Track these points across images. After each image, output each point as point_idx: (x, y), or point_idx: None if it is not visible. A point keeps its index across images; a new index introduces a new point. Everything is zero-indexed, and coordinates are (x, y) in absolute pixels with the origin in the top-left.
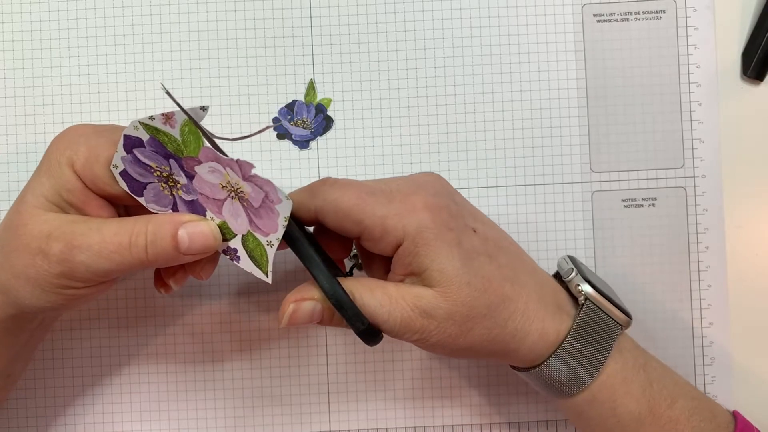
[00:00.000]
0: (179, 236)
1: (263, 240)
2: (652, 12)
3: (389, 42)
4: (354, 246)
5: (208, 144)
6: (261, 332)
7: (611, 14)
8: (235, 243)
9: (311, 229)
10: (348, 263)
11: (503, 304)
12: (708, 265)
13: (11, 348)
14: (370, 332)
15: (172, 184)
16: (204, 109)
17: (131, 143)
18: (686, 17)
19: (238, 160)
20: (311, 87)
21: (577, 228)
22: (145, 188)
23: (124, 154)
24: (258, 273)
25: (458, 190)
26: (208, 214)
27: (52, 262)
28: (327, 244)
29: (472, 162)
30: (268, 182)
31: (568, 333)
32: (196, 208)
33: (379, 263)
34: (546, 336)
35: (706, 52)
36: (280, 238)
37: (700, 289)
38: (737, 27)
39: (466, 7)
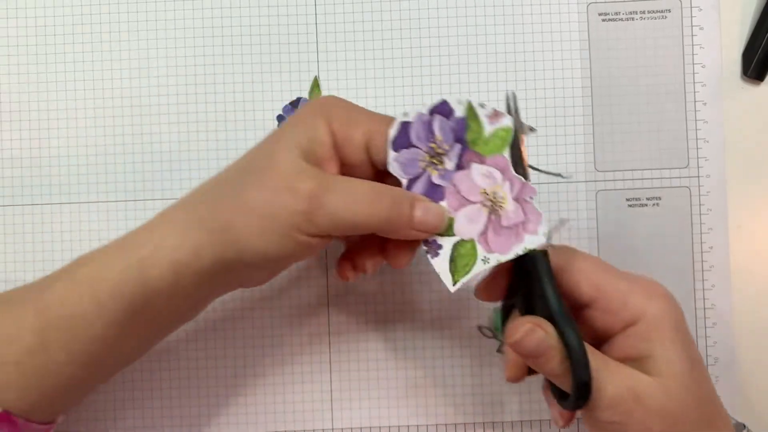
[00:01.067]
0: (416, 208)
1: (481, 253)
2: (657, 11)
3: (394, 39)
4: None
5: (507, 156)
6: (264, 330)
7: (616, 13)
8: (444, 240)
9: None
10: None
11: (707, 424)
12: (712, 264)
13: (172, 316)
14: (588, 389)
15: (436, 162)
16: (532, 130)
17: (441, 110)
18: (691, 17)
19: (525, 183)
20: (315, 84)
21: (582, 227)
22: (405, 148)
23: (425, 113)
24: (446, 276)
25: None
26: (443, 203)
27: (300, 198)
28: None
29: None
30: (538, 214)
31: None
32: (433, 192)
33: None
34: None
35: (711, 52)
36: (502, 261)
37: (703, 289)
38: (739, 27)
39: (471, 5)
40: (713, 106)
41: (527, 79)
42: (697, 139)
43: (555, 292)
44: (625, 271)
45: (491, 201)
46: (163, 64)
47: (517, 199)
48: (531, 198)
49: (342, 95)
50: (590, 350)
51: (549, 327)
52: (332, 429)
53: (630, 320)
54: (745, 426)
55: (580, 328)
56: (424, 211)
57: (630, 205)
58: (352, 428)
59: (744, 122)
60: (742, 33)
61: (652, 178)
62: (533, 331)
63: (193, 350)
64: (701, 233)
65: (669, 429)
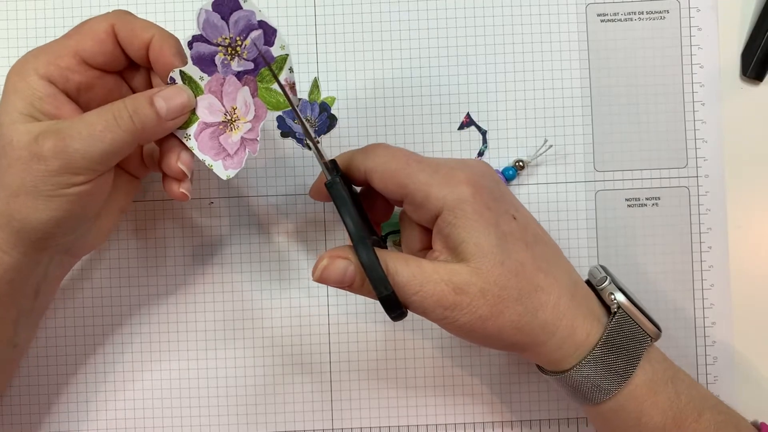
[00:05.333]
0: (156, 102)
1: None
2: (655, 12)
3: (393, 41)
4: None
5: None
6: (264, 330)
7: (615, 14)
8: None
9: (358, 190)
10: (385, 228)
11: (535, 293)
12: (711, 264)
13: (14, 306)
14: (392, 301)
15: (231, 54)
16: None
17: (229, 5)
18: (690, 17)
19: (256, 140)
20: (315, 85)
21: (581, 227)
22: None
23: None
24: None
25: None
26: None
27: (49, 159)
28: (371, 206)
29: None
30: (239, 163)
31: (599, 340)
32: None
33: (418, 237)
34: (575, 336)
35: (710, 53)
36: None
37: (702, 289)
38: (737, 27)
39: (470, 6)
40: (712, 106)
41: (526, 79)
42: (695, 139)
43: (351, 214)
44: (433, 160)
45: (230, 120)
46: None
47: (244, 138)
48: (248, 150)
49: (341, 96)
50: (404, 258)
51: (350, 254)
52: (332, 429)
53: (436, 211)
54: None
55: (408, 230)
56: (165, 99)
57: (629, 205)
58: (352, 428)
59: (743, 122)
60: (741, 33)
61: (651, 178)
62: (330, 264)
63: (193, 350)
64: (700, 233)
65: (495, 305)
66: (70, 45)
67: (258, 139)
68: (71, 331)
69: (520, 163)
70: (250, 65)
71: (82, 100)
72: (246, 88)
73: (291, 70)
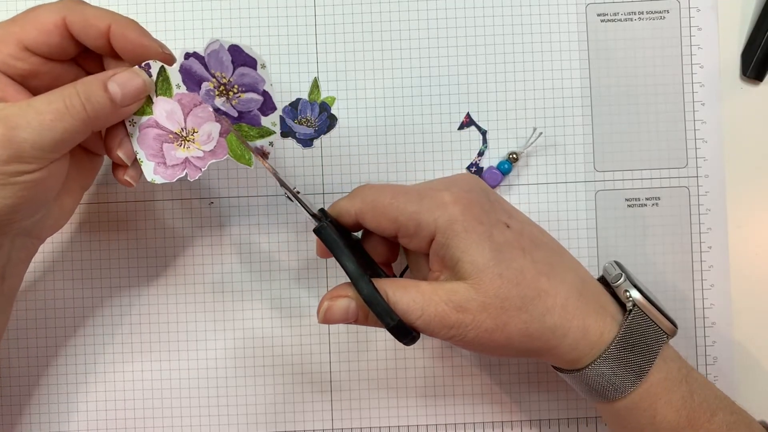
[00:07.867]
0: (110, 87)
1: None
2: (655, 12)
3: (393, 41)
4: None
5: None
6: (264, 330)
7: (615, 14)
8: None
9: (359, 234)
10: (397, 267)
11: (539, 298)
12: (711, 264)
13: None
14: (400, 329)
15: (221, 91)
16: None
17: (244, 59)
18: (690, 17)
19: (200, 169)
20: (315, 85)
21: (581, 227)
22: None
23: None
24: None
25: None
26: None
27: None
28: (374, 249)
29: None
30: (170, 177)
31: (615, 338)
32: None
33: (425, 264)
34: (588, 335)
35: (710, 52)
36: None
37: (702, 289)
38: (737, 27)
39: (470, 6)
40: (712, 106)
41: (526, 79)
42: (695, 139)
43: (345, 253)
44: (418, 187)
45: (184, 137)
46: None
47: (189, 161)
48: (186, 172)
49: (341, 96)
50: (402, 285)
51: (349, 290)
52: (332, 429)
53: (429, 237)
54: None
55: (414, 259)
56: (119, 84)
57: (629, 205)
58: (352, 428)
59: (743, 122)
60: (741, 33)
61: (651, 178)
62: (332, 306)
63: (193, 350)
64: (700, 233)
65: (499, 317)
66: (14, 32)
67: (203, 170)
68: (71, 331)
69: (514, 156)
70: (234, 113)
71: (29, 85)
72: (218, 125)
73: (271, 144)
